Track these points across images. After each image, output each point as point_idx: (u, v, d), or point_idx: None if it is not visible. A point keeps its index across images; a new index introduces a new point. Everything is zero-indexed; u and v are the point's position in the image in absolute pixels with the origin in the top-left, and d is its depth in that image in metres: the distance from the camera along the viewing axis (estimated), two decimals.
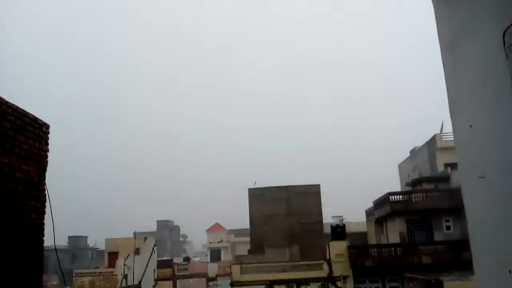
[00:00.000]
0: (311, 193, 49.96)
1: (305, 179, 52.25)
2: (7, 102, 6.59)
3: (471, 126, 4.02)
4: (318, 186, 51.36)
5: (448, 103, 4.58)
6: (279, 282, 36.10)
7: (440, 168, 44.70)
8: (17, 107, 6.84)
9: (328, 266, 36.18)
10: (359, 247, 37.59)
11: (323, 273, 36.10)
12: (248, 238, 58.71)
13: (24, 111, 7.03)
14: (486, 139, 3.74)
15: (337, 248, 36.48)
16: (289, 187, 50.25)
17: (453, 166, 39.81)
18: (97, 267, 45.58)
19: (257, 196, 50.09)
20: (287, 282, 36.05)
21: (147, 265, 42.77)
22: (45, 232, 7.71)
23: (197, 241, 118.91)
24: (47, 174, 7.80)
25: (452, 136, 4.71)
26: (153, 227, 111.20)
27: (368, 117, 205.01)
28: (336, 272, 35.87)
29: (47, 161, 7.70)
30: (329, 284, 35.85)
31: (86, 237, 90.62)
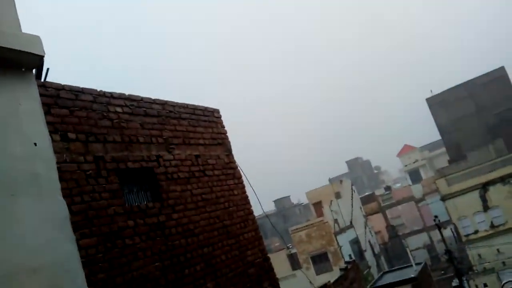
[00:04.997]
0: (496, 79, 45.00)
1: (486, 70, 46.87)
2: (177, 103, 7.22)
3: None
4: (502, 69, 46.02)
5: None
6: (492, 182, 33.62)
7: None
8: (187, 104, 7.45)
9: None
10: None
11: None
12: (443, 149, 55.78)
13: (194, 106, 7.62)
14: None
15: None
16: (469, 82, 46.04)
17: None
18: (307, 220, 48.25)
19: (438, 103, 47.05)
20: (501, 179, 33.35)
21: (351, 205, 43.79)
22: (259, 199, 8.44)
23: (392, 168, 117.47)
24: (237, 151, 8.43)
25: None
26: (344, 169, 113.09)
27: None
28: None
29: (229, 141, 8.29)
30: None
31: (288, 197, 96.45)
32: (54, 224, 3.29)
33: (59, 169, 4.87)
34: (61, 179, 4.85)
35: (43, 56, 3.46)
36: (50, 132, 4.93)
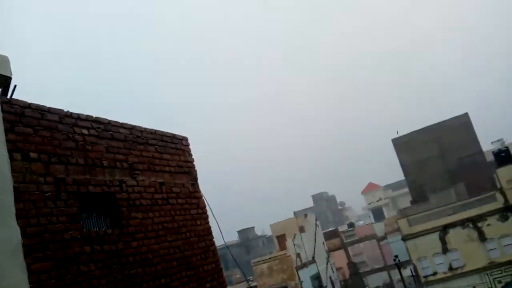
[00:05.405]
0: (461, 125, 46.54)
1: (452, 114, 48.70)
2: (145, 128, 7.16)
3: None
4: (466, 115, 47.64)
5: None
6: (452, 225, 34.33)
7: None
8: (155, 130, 7.40)
9: (502, 195, 33.36)
10: None
11: (498, 204, 33.42)
12: (406, 189, 56.77)
13: (162, 132, 7.58)
14: None
15: (507, 173, 33.42)
16: (434, 126, 47.41)
17: None
18: (271, 253, 47.89)
19: (404, 144, 48.13)
20: (461, 223, 34.11)
21: (315, 240, 43.80)
22: (221, 230, 8.36)
23: (356, 205, 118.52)
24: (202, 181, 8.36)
25: None
26: (309, 203, 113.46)
27: None
28: None
29: (195, 170, 8.23)
30: (508, 214, 33.09)
31: (253, 228, 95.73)
32: (5, 252, 3.17)
33: (17, 189, 4.74)
34: (18, 199, 4.71)
35: (9, 78, 3.40)
36: (11, 151, 4.81)
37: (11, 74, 3.21)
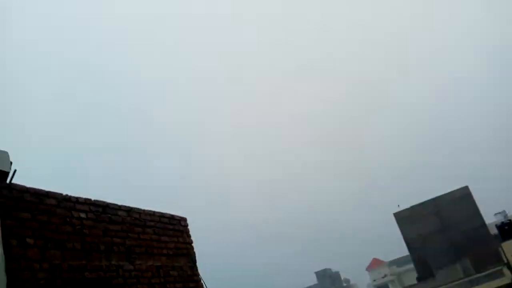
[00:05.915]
0: (461, 198, 46.31)
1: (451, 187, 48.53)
2: (144, 210, 7.14)
3: None
4: (466, 188, 47.52)
5: None
6: None
7: None
8: (154, 212, 7.37)
9: (509, 270, 32.44)
10: None
11: (506, 279, 32.39)
12: (412, 265, 55.40)
13: (161, 213, 7.55)
14: None
15: None
16: (435, 199, 47.17)
17: None
18: None
19: (406, 218, 47.58)
20: None
21: None
22: None
23: (361, 282, 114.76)
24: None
25: None
26: (313, 279, 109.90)
27: None
28: None
29: (194, 252, 8.09)
30: None
31: None
32: None
33: (12, 276, 4.64)
34: (13, 287, 4.60)
35: (8, 172, 3.46)
36: (7, 237, 4.77)
37: (9, 169, 3.28)
